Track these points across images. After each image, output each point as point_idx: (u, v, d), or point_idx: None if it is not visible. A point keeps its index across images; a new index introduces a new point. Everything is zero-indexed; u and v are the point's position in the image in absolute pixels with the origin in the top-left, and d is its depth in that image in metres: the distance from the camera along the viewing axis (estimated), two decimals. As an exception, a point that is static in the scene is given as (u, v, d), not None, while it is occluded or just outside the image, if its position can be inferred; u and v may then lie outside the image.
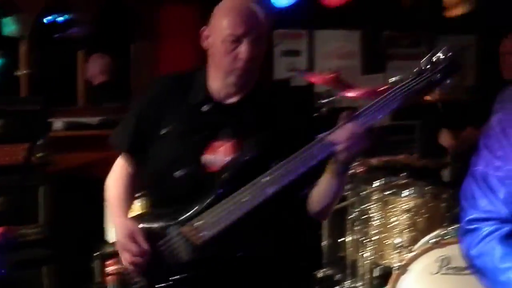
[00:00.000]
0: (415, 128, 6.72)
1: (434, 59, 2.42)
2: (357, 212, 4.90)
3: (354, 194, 5.00)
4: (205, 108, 2.71)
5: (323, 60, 6.83)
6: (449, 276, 4.01)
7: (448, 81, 2.43)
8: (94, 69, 6.48)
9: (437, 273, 4.05)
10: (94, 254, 4.66)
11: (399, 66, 6.71)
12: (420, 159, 4.89)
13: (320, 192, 2.64)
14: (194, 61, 3.50)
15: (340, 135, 2.42)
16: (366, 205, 4.80)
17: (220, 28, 2.63)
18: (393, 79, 2.49)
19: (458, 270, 3.97)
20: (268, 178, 2.50)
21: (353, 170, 4.96)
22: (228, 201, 2.54)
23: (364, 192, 4.84)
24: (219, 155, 2.65)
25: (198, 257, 2.58)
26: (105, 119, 5.77)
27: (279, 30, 6.46)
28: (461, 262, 3.93)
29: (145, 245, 2.62)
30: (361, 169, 4.94)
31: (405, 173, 4.83)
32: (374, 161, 5.04)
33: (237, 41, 2.60)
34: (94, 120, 5.84)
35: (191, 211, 2.58)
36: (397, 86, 2.43)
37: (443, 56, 2.42)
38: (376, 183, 4.75)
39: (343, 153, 2.43)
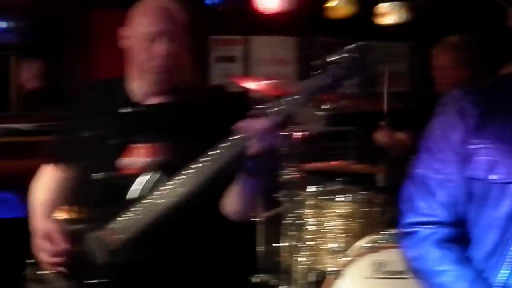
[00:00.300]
0: (349, 134, 6.79)
1: (340, 56, 2.45)
2: (292, 218, 4.91)
3: (289, 199, 5.01)
4: (124, 110, 2.70)
5: (258, 66, 6.85)
6: (383, 280, 4.04)
7: (354, 78, 2.45)
8: (28, 75, 6.38)
9: (371, 277, 4.08)
10: (27, 261, 4.57)
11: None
12: (354, 164, 4.92)
13: (235, 192, 2.62)
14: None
15: (250, 131, 2.41)
16: (301, 210, 4.82)
17: (137, 27, 2.65)
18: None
19: (391, 274, 4.01)
20: (181, 179, 2.48)
21: (288, 176, 4.99)
22: (144, 203, 2.51)
23: (299, 198, 4.86)
24: (136, 157, 2.64)
25: (117, 260, 2.55)
26: (39, 125, 5.69)
27: (215, 36, 6.46)
28: (394, 266, 3.98)
29: (62, 245, 2.58)
30: (296, 175, 4.96)
31: (339, 179, 4.86)
32: (309, 166, 5.07)
33: (153, 39, 2.60)
34: (28, 126, 5.76)
35: (109, 214, 2.55)
36: (303, 82, 2.45)
37: (349, 54, 2.44)
38: (311, 189, 4.77)
39: (254, 149, 2.42)
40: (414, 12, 6.41)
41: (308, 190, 4.80)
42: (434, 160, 2.31)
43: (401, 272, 3.91)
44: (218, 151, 2.44)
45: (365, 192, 4.73)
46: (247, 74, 6.73)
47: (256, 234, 5.39)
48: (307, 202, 4.78)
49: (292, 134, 5.00)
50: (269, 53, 6.95)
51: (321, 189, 4.76)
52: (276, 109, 2.40)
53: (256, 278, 5.27)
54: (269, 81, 4.85)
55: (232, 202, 2.66)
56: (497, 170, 2.21)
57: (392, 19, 6.40)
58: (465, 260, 2.26)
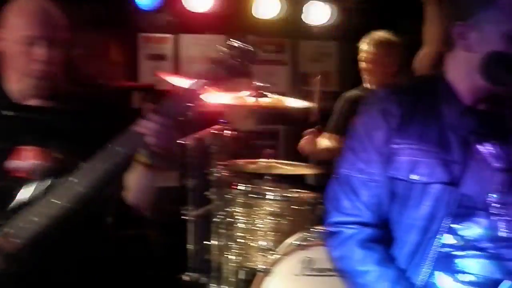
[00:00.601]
0: (279, 133, 6.83)
1: (231, 49, 2.50)
2: (222, 216, 4.91)
3: (219, 197, 5.01)
4: (7, 113, 2.65)
5: (188, 65, 6.83)
6: (312, 278, 4.08)
7: (245, 68, 2.51)
8: None
9: (300, 274, 4.12)
10: None
11: (264, 71, 6.81)
12: (284, 163, 4.95)
13: (135, 186, 2.62)
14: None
15: (146, 126, 2.42)
16: (231, 208, 4.82)
17: (14, 29, 2.58)
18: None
19: (320, 272, 4.04)
20: (76, 178, 2.45)
21: (218, 174, 4.99)
22: (37, 206, 2.47)
23: (229, 196, 4.86)
24: (24, 160, 2.59)
25: (15, 264, 2.49)
26: None
27: (144, 34, 6.42)
28: (323, 264, 4.02)
29: None
30: (226, 173, 4.97)
31: (269, 177, 4.88)
32: (239, 164, 5.07)
33: (32, 43, 2.55)
34: None
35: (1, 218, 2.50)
36: (199, 75, 2.49)
37: (239, 46, 2.50)
38: (241, 187, 4.78)
39: (151, 144, 2.43)
40: (342, 12, 6.48)
41: (238, 188, 4.80)
42: (358, 160, 2.34)
43: (330, 270, 3.95)
44: (110, 150, 2.43)
45: (295, 190, 4.77)
46: (177, 72, 6.71)
47: (186, 233, 5.37)
48: (237, 200, 4.78)
49: (222, 132, 5.01)
50: (199, 51, 6.94)
51: (251, 187, 4.77)
52: (174, 106, 2.43)
53: (186, 277, 5.26)
54: (196, 79, 4.84)
55: (133, 195, 2.65)
56: (418, 170, 2.25)
57: (320, 18, 6.45)
58: (388, 260, 2.29)
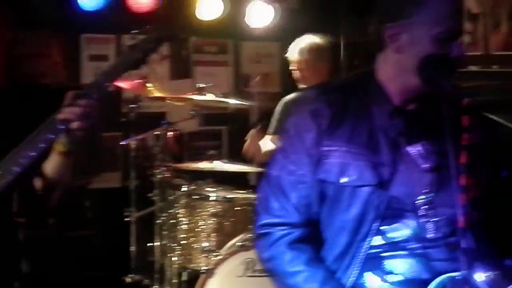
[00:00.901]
0: (222, 133, 6.84)
1: (143, 35, 2.56)
2: (164, 217, 4.91)
3: (161, 199, 5.01)
4: None
5: (131, 65, 6.78)
6: (254, 279, 4.11)
7: (159, 51, 2.56)
8: None
9: (243, 275, 4.14)
10: None
11: (206, 72, 6.81)
12: (227, 164, 4.96)
13: (51, 174, 2.61)
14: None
15: (67, 113, 2.44)
16: (174, 209, 4.82)
17: None
18: None
19: (263, 272, 4.06)
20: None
21: (161, 175, 4.99)
22: None
23: (172, 197, 4.86)
24: None
25: None
26: None
27: (87, 35, 6.37)
28: (265, 264, 4.05)
29: None
30: (169, 174, 4.97)
31: (212, 178, 4.90)
32: (181, 165, 5.07)
33: None
34: None
35: None
36: (116, 60, 2.54)
37: (152, 32, 2.56)
38: (183, 188, 4.78)
39: (72, 130, 2.45)
40: (284, 13, 6.51)
41: (180, 189, 4.80)
42: (288, 162, 2.34)
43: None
44: (34, 138, 2.44)
45: (237, 191, 4.79)
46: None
47: (129, 234, 5.36)
48: (180, 202, 4.78)
49: (165, 133, 5.01)
50: (142, 52, 6.90)
51: (193, 188, 4.78)
52: (94, 91, 2.46)
53: (128, 278, 5.24)
54: (139, 80, 4.84)
55: (46, 183, 2.65)
56: (348, 173, 2.26)
57: (262, 19, 6.47)
58: (317, 260, 2.30)
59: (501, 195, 2.40)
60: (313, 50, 5.03)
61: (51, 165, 2.58)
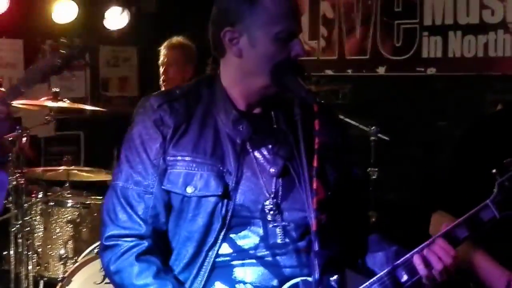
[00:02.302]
0: (79, 138, 6.75)
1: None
2: (19, 225, 4.80)
3: (16, 206, 4.89)
4: None
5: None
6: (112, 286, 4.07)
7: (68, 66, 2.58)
8: None
9: (101, 282, 4.10)
10: None
11: (63, 76, 6.68)
12: (83, 169, 4.91)
13: None
14: None
15: None
16: (29, 217, 4.72)
17: None
18: None
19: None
20: None
21: (15, 182, 4.87)
22: None
23: (27, 204, 4.75)
24: None
25: None
26: None
27: None
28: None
29: None
30: (23, 181, 4.85)
31: (67, 184, 4.83)
32: (36, 172, 4.98)
33: None
34: None
35: None
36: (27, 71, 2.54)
37: (68, 48, 2.58)
38: (39, 195, 4.69)
39: None
40: (141, 17, 6.50)
41: (36, 195, 4.71)
42: (135, 172, 2.29)
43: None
44: None
45: (95, 197, 4.74)
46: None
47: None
48: (35, 209, 4.69)
49: (19, 139, 4.89)
50: (-5, 55, 6.73)
51: (49, 195, 4.69)
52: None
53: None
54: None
55: None
56: (192, 183, 2.24)
57: (119, 23, 6.44)
58: (165, 272, 2.26)
59: (350, 195, 2.43)
60: (176, 47, 5.12)
61: None
